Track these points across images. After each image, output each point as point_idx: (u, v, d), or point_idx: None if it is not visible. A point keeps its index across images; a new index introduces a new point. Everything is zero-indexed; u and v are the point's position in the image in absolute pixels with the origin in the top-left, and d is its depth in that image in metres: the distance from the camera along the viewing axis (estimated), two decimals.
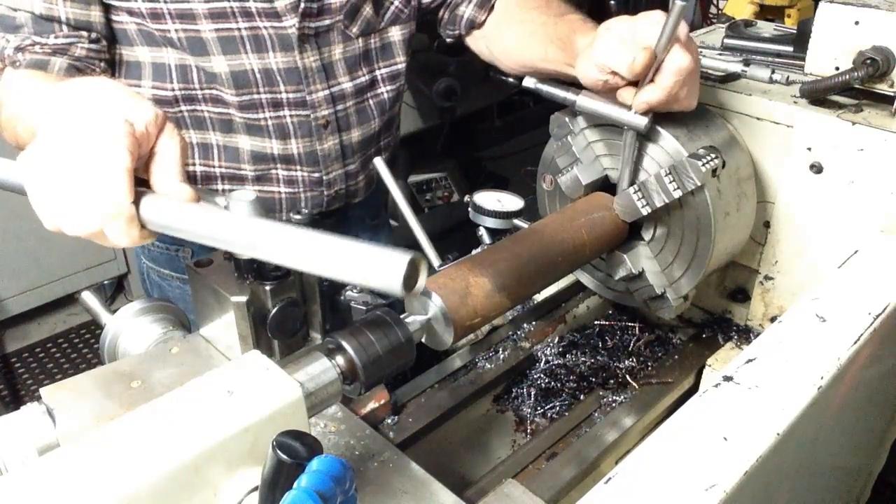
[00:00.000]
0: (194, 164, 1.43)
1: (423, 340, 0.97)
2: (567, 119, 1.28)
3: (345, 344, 0.83)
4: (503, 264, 1.06)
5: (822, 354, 0.94)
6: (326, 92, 1.41)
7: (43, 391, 0.97)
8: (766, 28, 1.74)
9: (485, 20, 1.55)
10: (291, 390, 0.73)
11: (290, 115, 1.39)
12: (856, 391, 1.13)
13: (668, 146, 1.19)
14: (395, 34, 1.49)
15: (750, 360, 0.93)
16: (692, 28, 1.30)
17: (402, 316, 0.92)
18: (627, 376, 1.37)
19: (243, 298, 0.98)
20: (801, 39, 1.45)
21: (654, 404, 1.31)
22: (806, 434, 0.94)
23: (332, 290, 1.09)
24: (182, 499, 0.67)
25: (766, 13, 3.31)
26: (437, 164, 3.69)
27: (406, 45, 1.52)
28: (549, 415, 1.33)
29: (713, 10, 4.46)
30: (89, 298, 1.19)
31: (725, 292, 1.49)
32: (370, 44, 1.46)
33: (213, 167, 1.43)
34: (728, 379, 0.90)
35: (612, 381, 1.37)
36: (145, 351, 1.10)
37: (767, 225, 1.36)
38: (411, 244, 1.26)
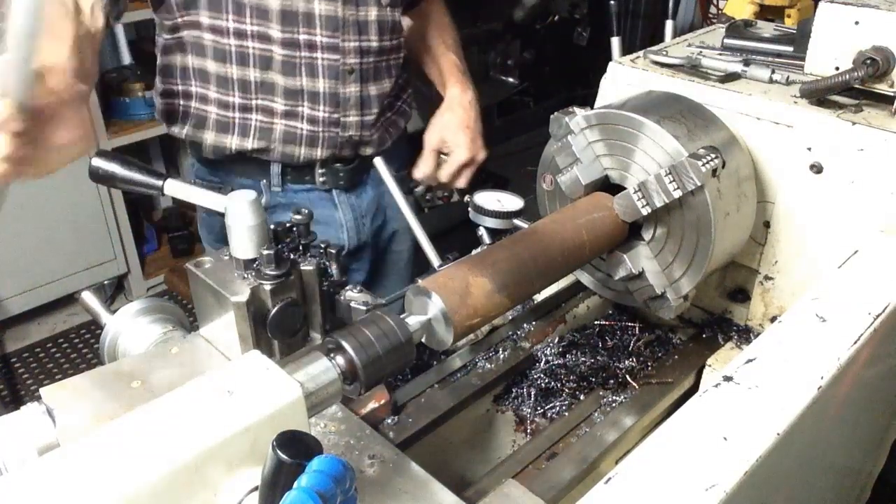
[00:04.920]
0: (233, 96, 1.60)
1: (423, 340, 0.97)
2: (567, 119, 1.28)
3: (345, 344, 0.83)
4: (503, 264, 1.06)
5: (822, 354, 0.94)
6: (357, 44, 1.59)
7: (43, 391, 0.97)
8: (766, 28, 1.74)
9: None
10: (291, 390, 0.73)
11: (322, 58, 1.57)
12: (856, 391, 1.13)
13: (668, 146, 1.19)
14: (399, 13, 1.69)
15: (750, 360, 0.93)
16: (692, 28, 1.32)
17: (402, 316, 0.92)
18: (627, 376, 1.37)
19: (243, 298, 0.98)
20: (801, 39, 1.45)
21: (654, 404, 1.31)
22: (806, 434, 0.94)
23: (332, 290, 1.09)
24: (182, 499, 0.67)
25: (766, 13, 3.31)
26: None
27: (402, 24, 1.73)
28: (549, 415, 1.33)
29: (713, 10, 4.46)
30: (89, 298, 1.19)
31: (725, 292, 1.49)
32: (395, 15, 1.66)
33: (251, 100, 1.60)
34: (728, 379, 0.90)
35: (612, 381, 1.37)
36: (145, 351, 1.10)
37: (767, 225, 1.36)
38: (411, 244, 1.26)
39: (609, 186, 1.29)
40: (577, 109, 1.29)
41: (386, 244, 1.90)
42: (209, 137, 1.64)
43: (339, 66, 1.59)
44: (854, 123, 1.23)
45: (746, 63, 1.42)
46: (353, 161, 1.72)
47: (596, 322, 1.51)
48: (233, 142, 1.62)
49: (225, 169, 1.70)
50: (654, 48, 1.58)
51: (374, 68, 1.65)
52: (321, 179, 1.70)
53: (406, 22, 1.84)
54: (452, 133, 1.75)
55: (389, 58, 1.68)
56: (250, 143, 1.62)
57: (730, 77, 1.42)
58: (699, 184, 1.13)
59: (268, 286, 0.99)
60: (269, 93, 1.60)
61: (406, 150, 1.89)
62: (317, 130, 1.63)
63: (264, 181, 1.67)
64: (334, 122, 1.63)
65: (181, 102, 1.66)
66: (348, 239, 1.77)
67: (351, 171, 1.73)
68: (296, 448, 0.63)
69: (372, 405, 1.17)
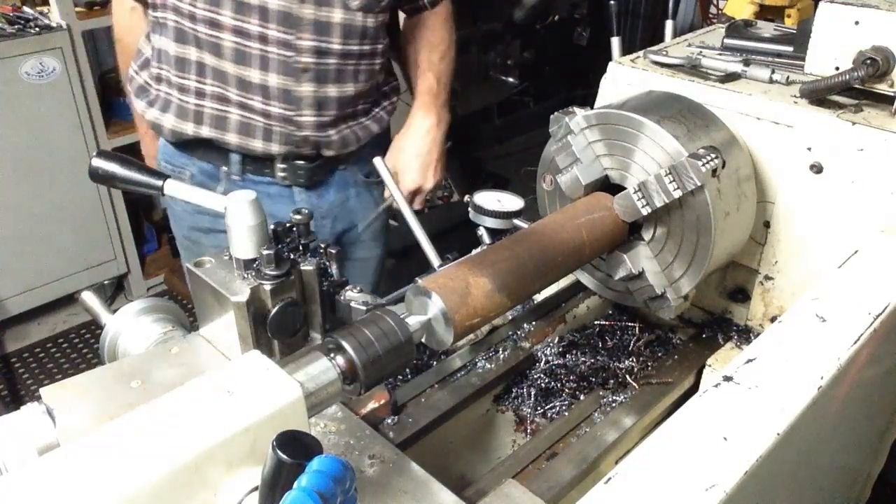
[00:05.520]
0: (190, 79, 1.63)
1: (423, 340, 0.97)
2: (567, 119, 1.28)
3: (345, 344, 0.83)
4: (503, 264, 1.06)
5: (822, 354, 0.94)
6: (314, 43, 1.58)
7: (43, 391, 0.97)
8: (766, 28, 1.74)
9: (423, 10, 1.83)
10: (291, 390, 0.73)
11: (276, 53, 1.57)
12: (856, 391, 1.13)
13: (668, 146, 1.19)
14: (381, 19, 1.67)
15: (750, 360, 0.93)
16: (692, 28, 1.33)
17: (402, 316, 0.92)
18: (627, 376, 1.37)
19: (243, 298, 0.98)
20: (801, 39, 1.45)
21: (654, 404, 1.31)
22: (806, 434, 0.94)
23: (332, 290, 1.09)
24: (182, 499, 0.67)
25: (766, 13, 3.31)
26: None
27: (384, 31, 1.71)
28: (549, 415, 1.33)
29: (713, 10, 4.46)
30: (89, 298, 1.19)
31: (725, 292, 1.49)
32: (368, 21, 1.63)
33: (205, 85, 1.63)
34: (728, 379, 0.90)
35: (612, 381, 1.37)
36: (145, 351, 1.10)
37: (767, 225, 1.36)
38: (411, 244, 1.26)
39: (609, 186, 1.29)
40: (577, 109, 1.29)
41: (349, 251, 1.89)
42: (169, 121, 1.67)
43: (291, 63, 1.58)
44: (854, 123, 1.23)
45: (746, 63, 1.42)
46: (315, 160, 1.72)
47: (596, 322, 1.51)
48: (189, 127, 1.65)
49: (188, 153, 1.73)
50: (654, 48, 1.58)
51: (335, 70, 1.63)
52: (281, 174, 1.71)
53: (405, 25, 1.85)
54: (404, 160, 1.80)
55: (360, 63, 1.66)
56: (206, 131, 1.65)
57: (730, 77, 1.42)
58: (699, 184, 1.13)
59: (268, 286, 0.99)
60: (223, 81, 1.61)
61: (382, 154, 1.89)
62: (272, 124, 1.63)
63: (224, 168, 1.70)
64: (287, 119, 1.63)
65: (152, 84, 1.70)
66: None
67: (311, 170, 1.72)
68: (296, 448, 0.63)
69: (372, 405, 1.17)
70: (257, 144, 1.65)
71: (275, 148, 1.65)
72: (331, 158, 1.73)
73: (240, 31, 1.55)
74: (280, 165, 1.70)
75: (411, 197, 1.83)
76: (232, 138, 1.65)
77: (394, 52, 1.86)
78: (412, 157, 1.80)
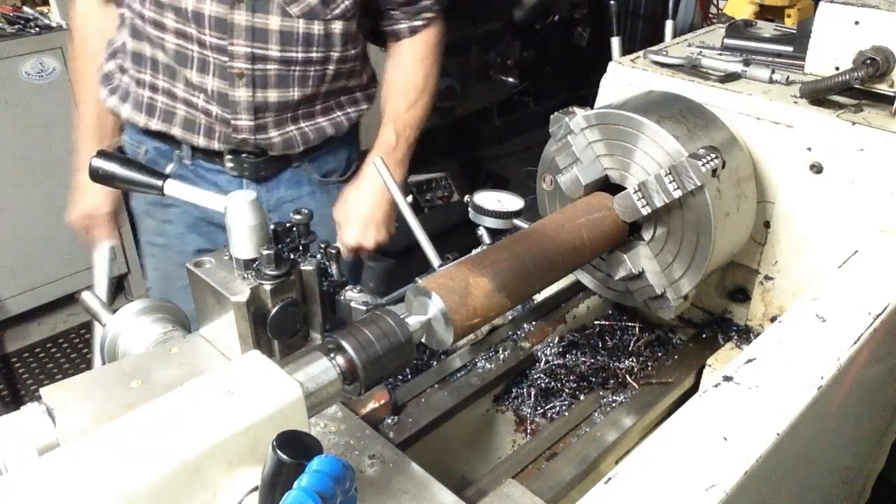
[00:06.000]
0: (144, 73, 1.68)
1: (423, 340, 0.97)
2: (567, 119, 1.28)
3: (345, 344, 0.83)
4: (503, 264, 1.06)
5: (822, 354, 0.94)
6: (248, 49, 1.59)
7: (43, 391, 0.97)
8: (766, 28, 1.74)
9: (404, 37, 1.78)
10: (291, 390, 0.73)
11: (213, 57, 1.59)
12: (856, 391, 1.13)
13: (668, 146, 1.19)
14: (338, 27, 1.65)
15: (750, 360, 0.93)
16: (692, 28, 1.33)
17: (402, 316, 0.92)
18: (627, 376, 1.37)
19: (243, 298, 0.98)
20: (801, 39, 1.45)
21: (654, 404, 1.31)
22: (806, 434, 0.94)
23: (332, 290, 1.09)
24: (182, 499, 0.67)
25: (766, 13, 3.31)
26: (437, 164, 3.69)
27: (343, 38, 1.67)
28: (549, 415, 1.33)
29: (713, 10, 4.46)
30: (89, 298, 1.19)
31: (725, 292, 1.49)
32: (313, 28, 1.61)
33: (158, 81, 1.68)
34: (728, 379, 0.90)
35: (612, 381, 1.37)
36: (145, 351, 1.10)
37: (767, 225, 1.36)
38: (411, 244, 1.26)
39: (609, 186, 1.29)
40: (577, 109, 1.29)
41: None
42: (126, 111, 1.72)
43: (227, 67, 1.59)
44: (854, 123, 1.23)
45: (746, 63, 1.42)
46: (261, 155, 1.72)
47: (596, 322, 1.51)
48: (141, 119, 1.70)
49: (148, 134, 1.76)
50: (654, 48, 1.58)
51: (275, 76, 1.63)
52: (229, 165, 1.72)
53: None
54: (345, 214, 1.78)
55: (307, 69, 1.65)
56: (155, 124, 1.69)
57: (730, 77, 1.42)
58: (699, 184, 1.13)
59: (268, 286, 0.99)
60: (172, 77, 1.65)
61: (345, 157, 1.86)
62: (213, 123, 1.66)
63: (177, 151, 1.74)
64: (225, 121, 1.65)
65: (115, 74, 1.75)
66: None
67: (257, 164, 1.72)
68: (296, 448, 0.63)
69: (372, 405, 1.17)
70: (200, 141, 1.68)
71: (216, 145, 1.69)
72: (280, 156, 1.73)
73: (181, 34, 1.58)
74: (228, 156, 1.71)
75: (353, 252, 1.81)
76: (177, 132, 1.69)
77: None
78: (354, 214, 1.76)
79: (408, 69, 1.80)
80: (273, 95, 1.65)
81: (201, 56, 1.59)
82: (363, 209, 1.76)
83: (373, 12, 1.75)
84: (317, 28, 1.62)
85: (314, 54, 1.64)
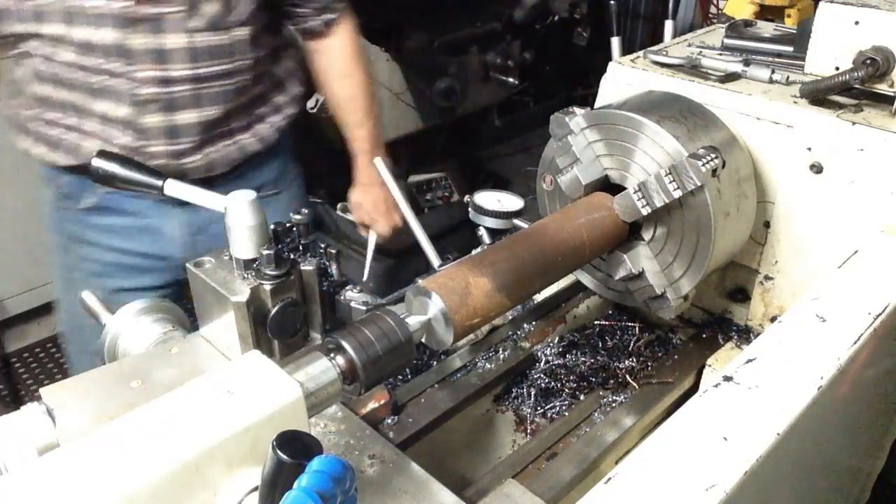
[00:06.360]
0: (53, 112, 1.56)
1: (423, 340, 0.97)
2: (567, 119, 1.28)
3: (345, 344, 0.83)
4: (503, 264, 1.06)
5: (822, 354, 0.94)
6: (153, 73, 1.51)
7: (43, 391, 0.97)
8: (766, 28, 1.74)
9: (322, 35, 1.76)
10: (291, 390, 0.73)
11: (119, 85, 1.51)
12: (856, 391, 1.13)
13: (668, 146, 1.19)
14: (242, 33, 1.58)
15: (750, 360, 0.93)
16: (692, 28, 1.33)
17: (402, 316, 0.92)
18: (627, 376, 1.37)
19: (243, 298, 0.98)
20: (801, 39, 1.45)
21: (654, 404, 1.31)
22: (806, 434, 0.94)
23: (332, 290, 1.09)
24: (182, 499, 0.67)
25: (766, 13, 3.31)
26: (437, 164, 3.69)
27: (251, 44, 1.61)
28: (549, 415, 1.33)
29: (713, 10, 4.46)
30: (89, 298, 1.19)
31: (725, 292, 1.49)
32: (216, 40, 1.55)
33: (68, 118, 1.56)
34: (728, 379, 0.90)
35: (612, 381, 1.37)
36: (145, 351, 1.10)
37: (767, 225, 1.36)
38: (411, 244, 1.26)
39: (609, 186, 1.29)
40: (577, 109, 1.29)
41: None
42: (39, 151, 1.61)
43: (134, 95, 1.51)
44: (854, 123, 1.23)
45: (746, 63, 1.42)
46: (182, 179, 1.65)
47: (596, 322, 1.51)
48: (56, 157, 1.60)
49: (65, 170, 1.64)
50: (654, 48, 1.58)
51: (190, 96, 1.55)
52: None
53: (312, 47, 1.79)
54: (368, 214, 1.98)
55: (223, 83, 1.58)
56: (69, 160, 1.59)
57: (730, 77, 1.42)
58: (699, 184, 1.13)
59: (268, 286, 0.99)
60: (81, 112, 1.55)
61: (276, 167, 1.81)
62: (129, 153, 1.53)
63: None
64: (137, 150, 1.55)
65: (24, 115, 1.63)
66: (182, 253, 1.67)
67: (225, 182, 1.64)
68: (296, 448, 0.63)
69: (372, 405, 1.17)
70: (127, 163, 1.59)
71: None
72: (204, 178, 1.64)
73: (83, 68, 1.49)
74: None
75: (390, 236, 2.01)
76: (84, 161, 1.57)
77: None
78: (374, 209, 1.97)
79: (344, 73, 1.82)
80: (187, 117, 1.57)
81: (108, 87, 1.51)
82: (379, 200, 1.96)
83: (280, 11, 1.69)
84: (221, 38, 1.55)
85: (223, 67, 1.57)
